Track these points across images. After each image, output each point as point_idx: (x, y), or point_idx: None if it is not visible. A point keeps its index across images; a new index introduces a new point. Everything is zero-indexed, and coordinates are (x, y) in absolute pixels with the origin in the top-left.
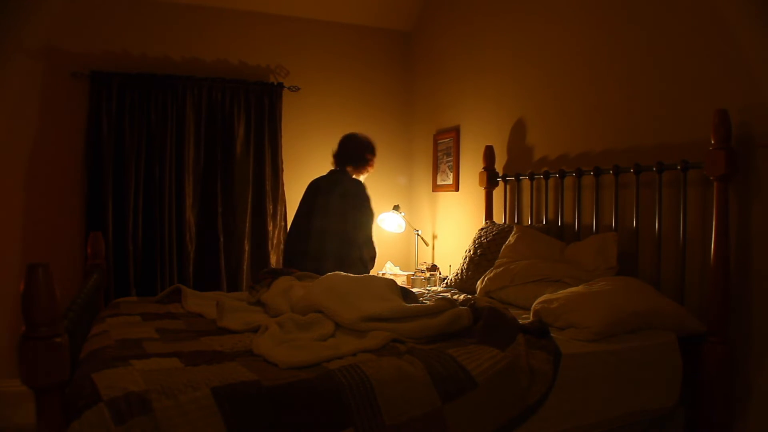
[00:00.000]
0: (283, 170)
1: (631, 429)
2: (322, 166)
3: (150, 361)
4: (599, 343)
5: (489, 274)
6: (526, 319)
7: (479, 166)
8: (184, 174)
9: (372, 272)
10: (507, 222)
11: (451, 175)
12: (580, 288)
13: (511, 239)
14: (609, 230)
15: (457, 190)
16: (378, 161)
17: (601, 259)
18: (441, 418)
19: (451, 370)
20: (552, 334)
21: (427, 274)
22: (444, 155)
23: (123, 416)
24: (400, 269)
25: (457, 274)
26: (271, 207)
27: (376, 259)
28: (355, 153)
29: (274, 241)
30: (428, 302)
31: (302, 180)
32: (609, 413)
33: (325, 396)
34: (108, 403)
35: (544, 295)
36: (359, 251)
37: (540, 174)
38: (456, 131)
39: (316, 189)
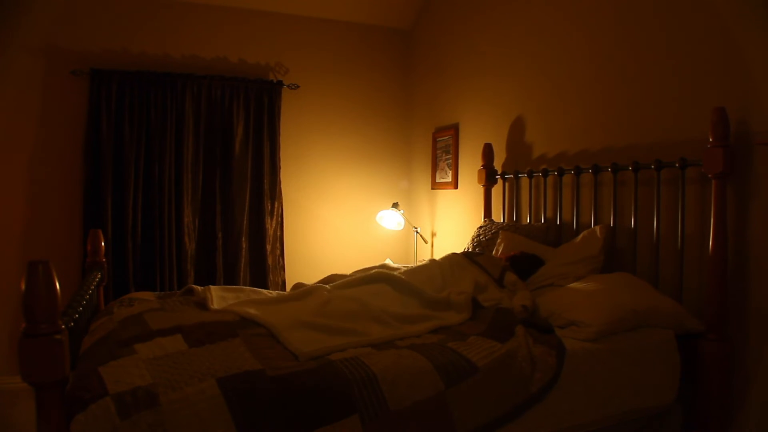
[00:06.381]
0: (281, 168)
1: (629, 426)
2: (321, 164)
3: (153, 344)
4: (599, 341)
5: None
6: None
7: (478, 163)
8: (183, 171)
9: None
10: (506, 220)
11: (450, 173)
12: (577, 285)
13: (497, 249)
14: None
15: (456, 187)
16: (377, 159)
17: (583, 251)
18: (444, 403)
19: (451, 358)
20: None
21: None
22: (443, 153)
23: (129, 410)
24: None
25: None
26: (269, 205)
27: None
28: None
29: (272, 239)
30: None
31: (300, 178)
32: (608, 410)
33: (329, 384)
34: (114, 397)
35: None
36: None
37: (539, 172)
38: (455, 129)
39: None
